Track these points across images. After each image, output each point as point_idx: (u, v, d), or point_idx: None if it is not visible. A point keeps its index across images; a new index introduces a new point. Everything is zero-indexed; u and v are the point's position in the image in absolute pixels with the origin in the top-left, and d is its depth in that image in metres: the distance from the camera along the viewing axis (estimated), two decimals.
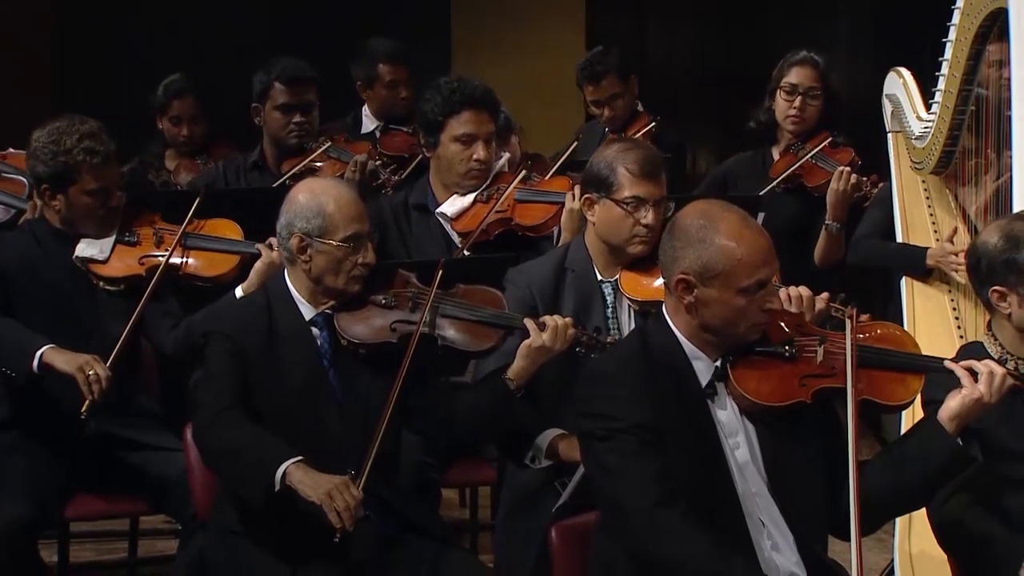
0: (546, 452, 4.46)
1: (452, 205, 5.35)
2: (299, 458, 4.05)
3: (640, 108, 7.01)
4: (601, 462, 3.63)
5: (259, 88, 6.10)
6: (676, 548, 3.52)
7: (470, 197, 5.38)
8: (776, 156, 6.26)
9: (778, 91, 6.24)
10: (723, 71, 6.47)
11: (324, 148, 5.97)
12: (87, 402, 4.71)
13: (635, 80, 7.07)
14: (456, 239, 5.25)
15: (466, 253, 5.28)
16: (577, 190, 5.00)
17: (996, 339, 4.15)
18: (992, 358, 4.03)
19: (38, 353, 4.75)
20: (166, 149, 6.91)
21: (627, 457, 3.58)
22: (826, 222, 5.92)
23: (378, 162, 6.03)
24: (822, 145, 6.11)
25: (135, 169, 6.74)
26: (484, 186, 5.42)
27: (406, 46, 7.15)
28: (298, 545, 4.17)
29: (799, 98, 6.20)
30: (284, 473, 4.03)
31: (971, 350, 4.14)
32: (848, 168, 5.87)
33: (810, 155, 6.09)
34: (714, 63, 7.75)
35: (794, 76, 6.23)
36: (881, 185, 5.77)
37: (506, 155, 5.69)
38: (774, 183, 6.06)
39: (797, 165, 6.09)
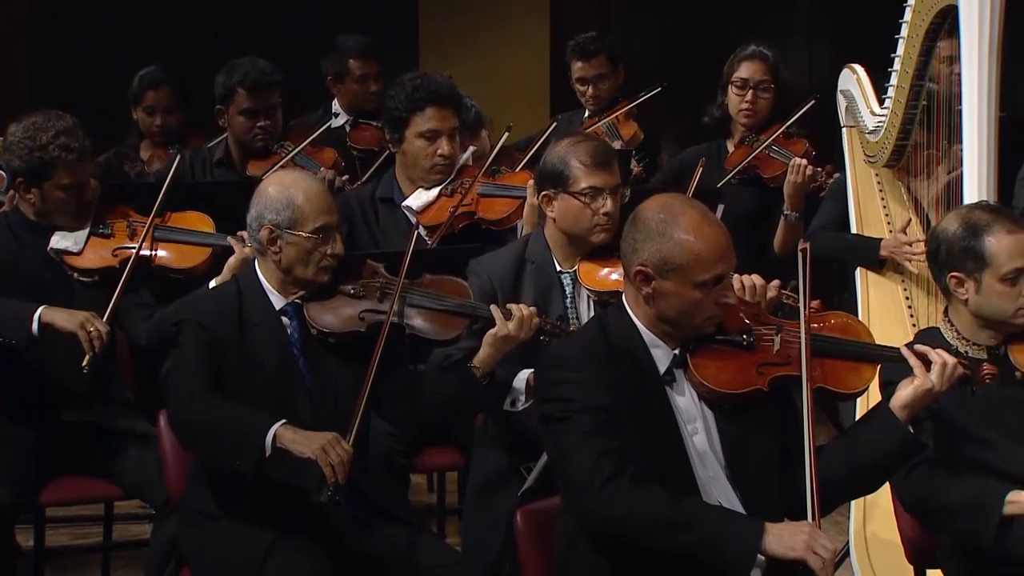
0: (525, 392, 4.46)
1: (417, 199, 5.36)
2: (283, 421, 4.07)
3: (621, 98, 7.02)
4: (558, 443, 3.64)
5: (222, 92, 6.05)
6: (629, 508, 3.52)
7: (435, 191, 5.39)
8: (731, 148, 6.28)
9: (729, 86, 6.27)
10: (685, 63, 6.48)
11: (291, 155, 5.94)
12: (88, 357, 4.72)
13: (623, 70, 7.05)
14: (422, 231, 5.26)
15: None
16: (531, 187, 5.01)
17: (952, 325, 4.17)
18: (948, 343, 4.06)
19: (36, 315, 4.75)
20: (141, 140, 6.88)
21: (582, 437, 3.59)
22: (784, 212, 5.93)
23: (344, 177, 6.02)
24: (776, 135, 6.12)
25: (111, 159, 6.73)
26: (448, 180, 5.43)
27: (376, 42, 7.14)
28: (270, 529, 4.17)
29: (750, 92, 6.23)
30: (274, 436, 4.05)
31: (927, 336, 4.16)
32: (803, 160, 5.88)
33: (764, 146, 6.11)
34: (676, 55, 7.76)
35: (744, 71, 6.25)
36: (836, 176, 5.79)
37: (471, 149, 5.69)
38: (730, 175, 6.08)
39: (752, 156, 6.11)
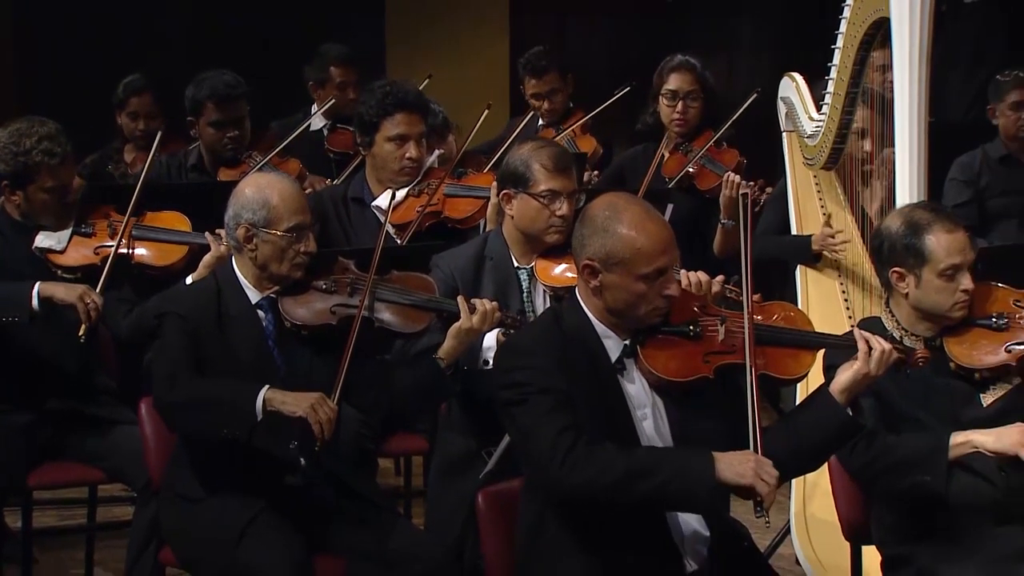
0: (495, 350, 4.46)
1: (386, 199, 5.37)
2: (267, 385, 4.11)
3: (572, 106, 7.05)
4: (519, 424, 3.64)
5: (191, 105, 6.04)
6: (590, 472, 3.52)
7: (403, 192, 5.40)
8: (665, 153, 6.23)
9: (660, 97, 6.25)
10: (637, 69, 6.48)
11: (259, 165, 5.93)
12: (84, 327, 4.74)
13: (572, 78, 7.08)
14: (391, 230, 5.27)
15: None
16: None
17: (893, 315, 4.18)
18: (888, 333, 4.09)
19: (35, 290, 4.77)
20: (124, 143, 6.87)
21: (541, 416, 3.59)
22: (721, 221, 5.91)
23: (308, 190, 6.03)
24: (708, 146, 6.10)
25: (96, 161, 6.73)
26: (416, 181, 5.44)
27: (355, 51, 7.17)
28: (246, 510, 4.19)
29: (680, 102, 6.20)
30: (264, 400, 4.08)
31: (869, 324, 4.17)
32: (735, 175, 5.84)
33: (698, 157, 6.08)
34: (628, 62, 7.79)
35: (673, 82, 6.23)
36: (768, 190, 5.77)
37: (437, 152, 5.70)
38: (669, 185, 6.03)
39: (686, 169, 6.06)
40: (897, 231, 4.15)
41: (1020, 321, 4.11)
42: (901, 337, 4.10)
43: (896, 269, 4.14)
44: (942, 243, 4.09)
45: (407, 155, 5.38)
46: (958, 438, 3.99)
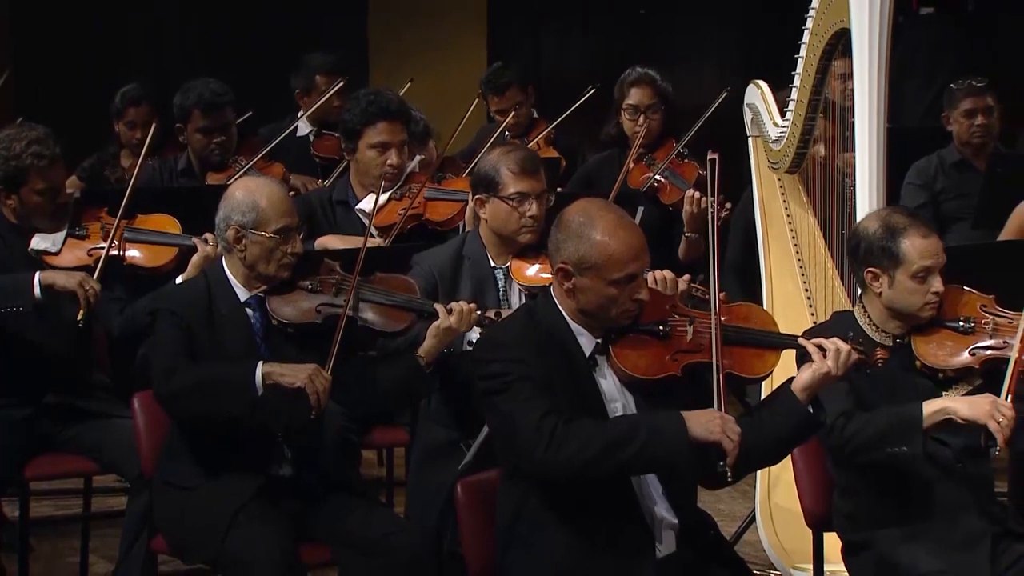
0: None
1: (370, 202, 5.36)
2: (261, 360, 4.14)
3: (536, 115, 7.05)
4: (500, 411, 3.65)
5: (179, 112, 6.05)
6: (574, 448, 3.53)
7: (385, 196, 5.40)
8: (630, 164, 6.16)
9: (622, 111, 6.24)
10: (609, 78, 6.49)
11: (244, 169, 5.92)
12: (83, 312, 4.75)
13: (533, 89, 7.09)
14: (374, 232, 5.27)
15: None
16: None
17: (866, 311, 4.18)
18: (860, 327, 4.11)
19: (36, 279, 4.77)
20: (121, 149, 6.87)
21: (524, 402, 3.60)
22: (685, 234, 5.88)
23: (292, 193, 6.03)
24: (670, 158, 6.07)
25: (94, 165, 6.72)
26: (398, 185, 5.45)
27: (339, 60, 7.17)
28: (235, 499, 4.19)
29: (641, 116, 6.19)
30: (263, 375, 4.11)
31: (843, 318, 4.20)
32: (697, 192, 5.80)
33: (660, 171, 6.04)
34: (601, 71, 7.80)
35: (633, 97, 6.21)
36: (728, 205, 5.67)
37: (418, 157, 5.71)
38: (636, 193, 5.98)
39: (653, 180, 6.03)
40: (874, 233, 4.15)
41: (985, 326, 4.11)
42: (871, 333, 4.12)
43: (871, 269, 4.14)
44: (917, 247, 4.09)
45: (389, 161, 5.39)
46: (932, 406, 3.99)
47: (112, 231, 5.00)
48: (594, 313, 3.72)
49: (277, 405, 4.15)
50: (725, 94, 6.18)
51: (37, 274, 4.79)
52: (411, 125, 5.67)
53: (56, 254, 4.98)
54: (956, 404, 3.98)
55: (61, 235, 5.01)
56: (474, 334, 4.46)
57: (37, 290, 4.78)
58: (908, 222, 4.15)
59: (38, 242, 4.98)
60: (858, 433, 3.99)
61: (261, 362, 4.14)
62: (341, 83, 6.73)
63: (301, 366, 4.13)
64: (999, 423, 3.88)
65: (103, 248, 4.98)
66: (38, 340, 4.92)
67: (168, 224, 5.11)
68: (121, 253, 5.02)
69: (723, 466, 3.57)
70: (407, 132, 5.51)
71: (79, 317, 4.75)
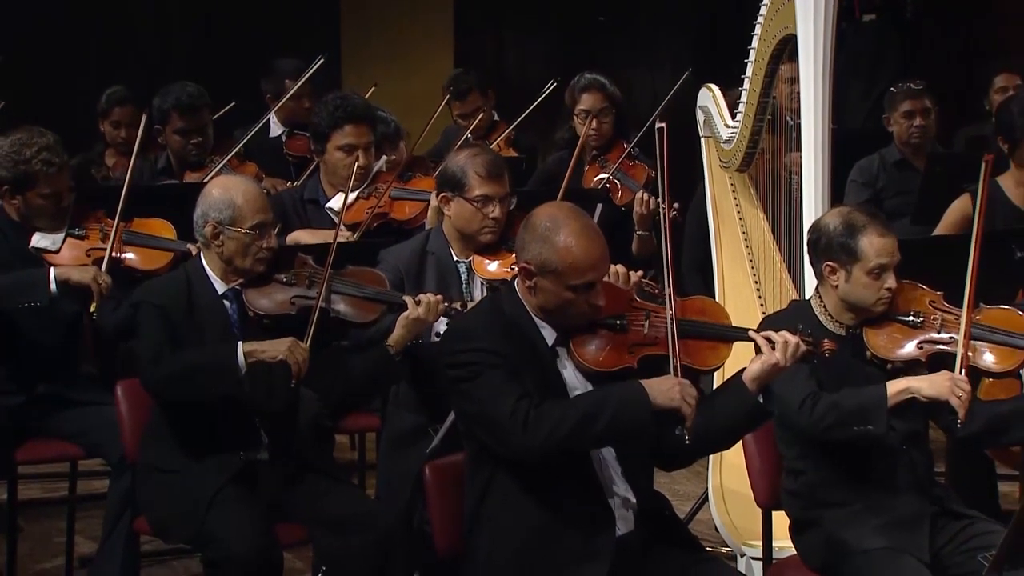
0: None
1: (338, 201, 5.34)
2: (239, 340, 4.13)
3: (496, 117, 7.03)
4: (474, 397, 3.62)
5: (158, 115, 5.99)
6: (549, 427, 3.53)
7: (354, 195, 5.37)
8: (585, 163, 6.16)
9: (574, 116, 6.21)
10: (568, 82, 6.48)
11: (219, 167, 5.87)
12: (95, 304, 4.73)
13: (493, 92, 7.08)
14: (344, 229, 5.23)
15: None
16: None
17: (822, 302, 4.16)
18: (816, 316, 4.10)
19: (52, 275, 4.74)
20: (106, 148, 6.83)
21: (497, 388, 3.58)
22: (636, 232, 5.88)
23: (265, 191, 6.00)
24: (621, 160, 6.04)
25: (80, 164, 6.66)
26: (365, 184, 5.42)
27: (306, 63, 7.14)
28: (213, 481, 4.17)
29: (593, 120, 6.15)
30: (244, 353, 4.10)
31: (800, 308, 4.20)
32: (647, 194, 5.81)
33: (612, 173, 6.02)
34: (560, 75, 7.79)
35: (585, 103, 6.17)
36: (676, 205, 5.57)
37: (384, 158, 5.68)
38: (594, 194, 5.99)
39: (603, 184, 6.01)
40: (835, 229, 4.13)
41: (934, 321, 4.10)
42: (826, 323, 4.11)
43: (829, 263, 4.13)
44: (874, 245, 4.08)
45: (356, 162, 5.36)
46: (895, 386, 3.98)
47: (112, 234, 4.94)
48: (552, 312, 3.70)
49: (262, 380, 4.13)
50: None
51: (52, 269, 4.75)
52: (381, 126, 5.67)
53: (56, 253, 4.93)
54: (918, 383, 3.98)
55: (61, 235, 4.95)
56: (441, 325, 4.44)
57: (53, 285, 4.75)
58: (867, 221, 4.13)
59: (38, 240, 4.93)
60: (827, 414, 3.98)
61: (240, 342, 4.13)
62: (320, 63, 6.65)
63: (279, 340, 4.13)
64: (959, 398, 3.89)
65: (101, 248, 4.94)
66: (34, 334, 4.88)
67: (164, 229, 5.05)
68: (120, 255, 4.97)
69: (682, 429, 3.58)
70: (373, 134, 5.49)
71: (92, 309, 4.73)
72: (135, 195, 5.13)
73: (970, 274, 4.08)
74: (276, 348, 4.12)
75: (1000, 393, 4.41)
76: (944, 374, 3.97)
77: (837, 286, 4.12)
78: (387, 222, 5.39)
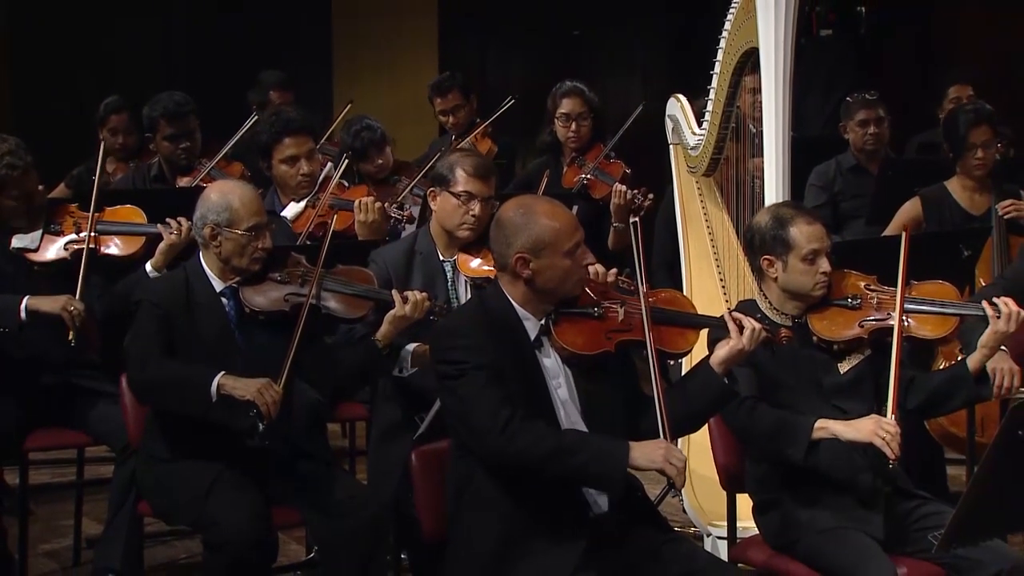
0: (410, 361, 4.46)
1: (290, 210, 5.32)
2: (223, 372, 4.07)
3: (477, 120, 7.04)
4: (458, 395, 3.63)
5: (147, 123, 5.95)
6: (526, 443, 3.53)
7: (303, 203, 5.36)
8: (564, 167, 6.20)
9: (556, 120, 6.22)
10: (547, 90, 6.50)
11: (208, 169, 5.84)
12: (72, 333, 4.68)
13: (475, 98, 7.09)
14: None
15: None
16: (371, 199, 5.15)
17: (765, 297, 4.18)
18: (761, 313, 4.10)
19: (22, 305, 4.69)
20: (106, 156, 6.79)
21: (480, 389, 3.58)
22: (613, 224, 5.90)
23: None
24: (599, 160, 6.07)
25: (81, 173, 6.67)
26: (313, 192, 5.39)
27: (291, 76, 7.16)
28: (212, 468, 4.16)
29: (573, 123, 6.18)
30: (217, 385, 4.05)
31: (746, 306, 4.19)
32: (623, 186, 5.82)
33: (591, 171, 6.05)
34: (540, 84, 7.79)
35: (565, 106, 6.19)
36: (650, 195, 5.72)
37: (329, 164, 5.65)
38: (570, 193, 5.99)
39: (584, 179, 6.04)
40: (766, 225, 4.16)
41: (871, 301, 4.14)
42: (772, 316, 4.12)
43: (766, 257, 4.15)
44: (804, 233, 4.10)
45: (300, 172, 5.35)
46: (821, 427, 3.97)
47: (88, 225, 4.89)
48: (554, 289, 3.71)
49: (228, 412, 4.08)
50: (641, 107, 6.19)
51: (24, 300, 4.70)
52: (368, 133, 5.71)
53: (35, 251, 4.89)
54: (843, 428, 3.96)
55: (38, 233, 4.91)
56: (407, 364, 4.44)
57: (23, 314, 4.70)
58: (794, 212, 4.17)
59: (17, 241, 4.88)
60: (756, 424, 4.00)
61: (220, 374, 4.07)
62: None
63: (253, 380, 4.06)
64: (883, 439, 3.88)
65: (76, 240, 4.89)
66: (40, 329, 4.82)
67: (134, 215, 5.01)
68: (96, 245, 4.93)
69: (670, 490, 3.62)
70: (314, 142, 5.47)
71: (70, 338, 4.68)
72: (126, 199, 5.09)
73: (902, 254, 4.11)
74: (247, 387, 4.05)
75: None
76: (870, 418, 3.95)
77: (776, 278, 4.14)
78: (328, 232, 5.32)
